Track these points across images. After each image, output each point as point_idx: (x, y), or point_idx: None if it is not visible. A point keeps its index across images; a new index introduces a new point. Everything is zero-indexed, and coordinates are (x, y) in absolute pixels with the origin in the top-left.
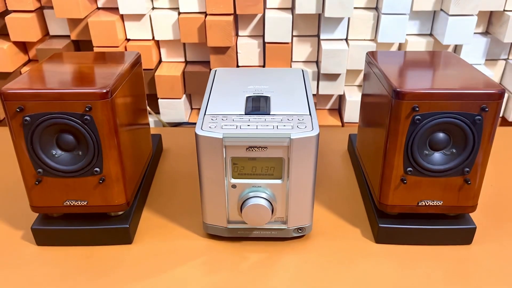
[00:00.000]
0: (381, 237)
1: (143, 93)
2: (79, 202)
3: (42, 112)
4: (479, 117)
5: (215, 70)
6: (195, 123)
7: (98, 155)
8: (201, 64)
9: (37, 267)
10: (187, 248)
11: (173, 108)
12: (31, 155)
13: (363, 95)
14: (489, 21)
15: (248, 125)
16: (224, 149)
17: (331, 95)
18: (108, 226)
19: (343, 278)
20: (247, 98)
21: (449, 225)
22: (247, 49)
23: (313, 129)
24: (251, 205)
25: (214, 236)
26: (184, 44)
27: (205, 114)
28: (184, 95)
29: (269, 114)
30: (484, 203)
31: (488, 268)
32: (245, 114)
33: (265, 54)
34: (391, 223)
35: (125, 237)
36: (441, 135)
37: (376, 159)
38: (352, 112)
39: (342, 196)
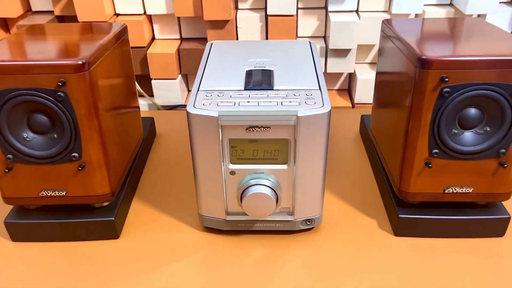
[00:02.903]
0: (400, 229)
1: (130, 71)
2: (57, 192)
3: (8, 88)
4: None
5: (211, 43)
6: None
7: (75, 138)
8: (197, 41)
9: (13, 266)
10: (182, 243)
11: (167, 90)
12: None
13: (378, 73)
14: None
15: (248, 102)
16: (220, 129)
17: (340, 74)
18: (91, 219)
19: (358, 275)
20: (247, 72)
21: (480, 215)
22: (248, 23)
23: (323, 105)
24: (253, 194)
25: (212, 229)
26: (178, 18)
27: (198, 90)
28: (180, 75)
29: (272, 89)
30: None
31: None
32: (245, 89)
33: (268, 29)
34: (413, 213)
35: (111, 231)
36: (473, 111)
37: (395, 141)
38: (364, 91)
39: (355, 184)
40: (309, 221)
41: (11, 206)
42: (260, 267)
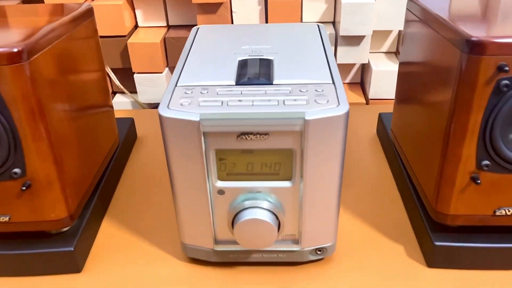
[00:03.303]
0: (436, 259)
1: (100, 64)
2: None
3: None
4: None
5: (197, 28)
6: None
7: (16, 150)
8: (186, 28)
9: None
10: (160, 278)
11: (152, 85)
12: None
13: (402, 63)
14: None
15: (240, 101)
16: (203, 137)
17: (352, 65)
18: (45, 249)
19: None
20: (240, 62)
21: None
22: (244, 6)
23: (339, 104)
24: (247, 220)
25: (198, 260)
26: (164, 2)
27: (176, 86)
28: (167, 69)
29: (271, 84)
30: None
31: None
32: (236, 84)
33: (268, 13)
34: (453, 239)
35: (71, 264)
36: None
37: (429, 148)
38: (380, 85)
39: (375, 198)
40: (319, 251)
41: None
42: None
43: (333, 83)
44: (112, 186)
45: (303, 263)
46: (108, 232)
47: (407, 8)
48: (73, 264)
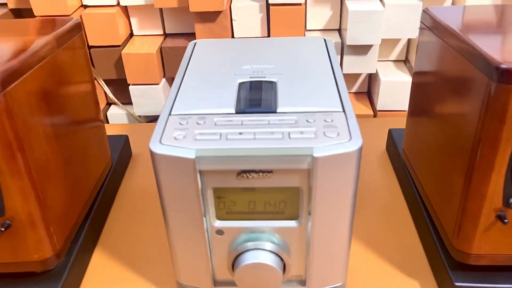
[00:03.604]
0: None
1: (89, 77)
2: None
3: None
4: None
5: (194, 43)
6: None
7: None
8: (184, 37)
9: None
10: None
11: (149, 98)
12: None
13: (417, 73)
14: None
15: (240, 134)
16: (199, 176)
17: (359, 74)
18: None
19: None
20: (240, 85)
21: None
22: (245, 13)
23: (351, 138)
24: (249, 264)
25: None
26: (161, 10)
27: (169, 114)
28: (164, 79)
29: (275, 112)
30: None
31: None
32: (236, 113)
33: (270, 21)
34: (475, 279)
35: None
36: None
37: (448, 177)
38: (388, 96)
39: (386, 226)
40: None
41: None
42: None
43: (344, 111)
44: (104, 214)
45: None
46: (99, 267)
47: (421, 21)
48: None
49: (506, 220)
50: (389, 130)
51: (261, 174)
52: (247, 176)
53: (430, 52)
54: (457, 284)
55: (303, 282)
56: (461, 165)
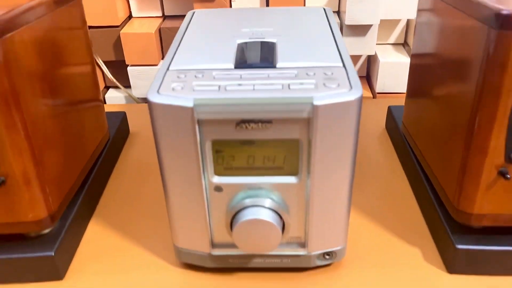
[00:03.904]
0: (459, 264)
1: (88, 51)
2: None
3: None
4: None
5: (193, 12)
6: None
7: None
8: (183, 19)
9: None
10: (152, 285)
11: (147, 79)
12: None
13: (415, 55)
14: None
15: (240, 85)
16: (197, 126)
17: (358, 57)
18: (23, 254)
19: None
20: (239, 45)
21: None
22: None
23: (351, 88)
24: (247, 221)
25: (194, 266)
26: None
27: (167, 70)
28: (162, 61)
29: (274, 68)
30: None
31: None
32: (235, 68)
33: (269, 1)
34: (476, 242)
35: (51, 270)
36: None
37: (448, 139)
38: (387, 78)
39: (386, 197)
40: (328, 255)
41: None
42: None
43: (344, 66)
44: (101, 184)
45: (310, 269)
46: (95, 235)
47: None
48: (54, 270)
49: (508, 176)
50: (389, 107)
51: (260, 124)
52: (246, 127)
53: (430, 21)
54: (459, 247)
55: (302, 244)
56: (462, 121)
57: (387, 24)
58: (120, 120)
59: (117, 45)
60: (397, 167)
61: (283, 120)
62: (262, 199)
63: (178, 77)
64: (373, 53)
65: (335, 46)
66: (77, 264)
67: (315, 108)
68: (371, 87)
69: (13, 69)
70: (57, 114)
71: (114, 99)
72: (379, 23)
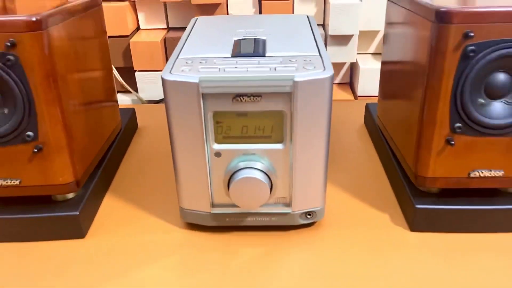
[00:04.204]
0: (418, 222)
1: (106, 50)
2: (9, 181)
3: None
4: None
5: (196, 18)
6: None
7: (30, 114)
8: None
9: None
10: (159, 243)
11: (153, 82)
12: None
13: (384, 63)
14: None
15: (235, 68)
16: (202, 99)
17: (342, 65)
18: (51, 213)
19: (368, 279)
20: (236, 41)
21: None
22: (240, 7)
23: (324, 69)
24: (242, 179)
25: (195, 226)
26: (165, 5)
27: (177, 58)
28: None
29: (264, 56)
30: None
31: None
32: (232, 57)
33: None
34: (432, 203)
35: (75, 229)
36: (502, 76)
37: (410, 120)
38: (367, 83)
39: (362, 176)
40: (309, 214)
41: None
42: (251, 270)
43: (320, 54)
44: (115, 165)
45: (294, 228)
46: (111, 204)
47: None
48: (78, 229)
49: (453, 142)
50: (366, 104)
51: (252, 98)
52: (241, 100)
53: (393, 26)
54: (418, 206)
55: (287, 204)
56: (418, 102)
57: (367, 35)
58: (129, 115)
59: (126, 53)
60: (373, 153)
61: (270, 94)
62: (254, 163)
63: (186, 63)
64: (354, 61)
65: (314, 41)
66: (96, 225)
67: (295, 84)
68: (353, 91)
69: (53, 55)
70: (83, 95)
71: (122, 102)
72: (358, 33)
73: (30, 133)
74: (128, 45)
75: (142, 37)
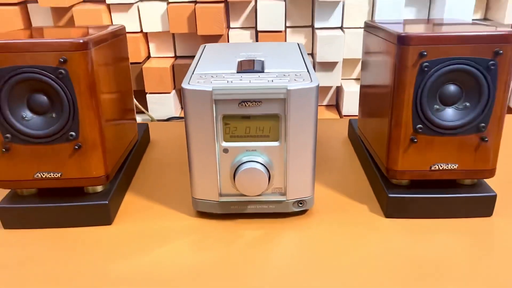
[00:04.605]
0: (391, 209)
1: (128, 76)
2: (52, 174)
3: (11, 65)
4: (493, 62)
5: (204, 45)
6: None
7: (73, 117)
8: (191, 59)
9: (4, 254)
10: (175, 228)
11: (162, 104)
12: None
13: (363, 86)
14: (487, 5)
15: (241, 80)
16: (214, 104)
17: (328, 89)
18: (84, 202)
19: (350, 256)
20: (239, 61)
21: (466, 193)
22: (239, 38)
23: (312, 81)
24: (246, 169)
25: (205, 215)
26: (173, 36)
27: (193, 74)
28: (174, 91)
29: (263, 72)
30: (505, 171)
31: None
32: (237, 72)
33: (258, 38)
34: (402, 192)
35: (104, 216)
36: (452, 87)
37: (382, 125)
38: (351, 104)
39: (346, 175)
40: (301, 203)
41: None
42: (253, 248)
43: (308, 71)
44: (134, 167)
45: (288, 215)
46: (131, 199)
47: (363, 28)
48: (106, 216)
49: (415, 140)
50: (349, 120)
51: (254, 103)
52: (245, 105)
53: (369, 56)
54: (391, 195)
55: (283, 193)
56: (387, 109)
57: (350, 62)
58: (144, 129)
59: (139, 77)
60: (354, 158)
61: (268, 100)
62: (255, 157)
63: (200, 77)
64: (339, 85)
65: (303, 61)
66: (121, 215)
67: (288, 91)
68: (339, 111)
69: (94, 69)
70: (113, 105)
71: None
72: (342, 61)
73: (72, 133)
74: (141, 71)
75: (153, 64)
